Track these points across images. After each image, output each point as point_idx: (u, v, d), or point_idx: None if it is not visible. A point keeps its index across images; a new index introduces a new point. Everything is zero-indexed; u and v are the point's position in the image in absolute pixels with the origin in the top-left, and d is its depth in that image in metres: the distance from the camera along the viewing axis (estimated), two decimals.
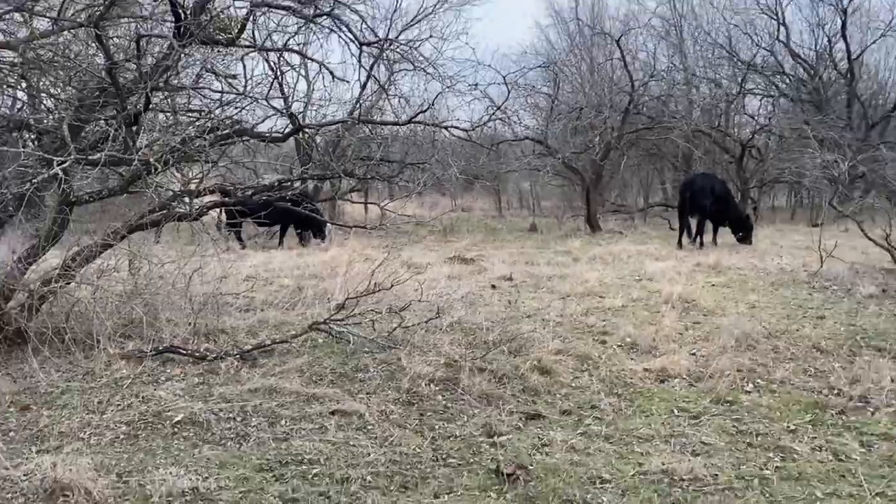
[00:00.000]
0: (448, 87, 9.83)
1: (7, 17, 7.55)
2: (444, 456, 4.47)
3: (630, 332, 7.09)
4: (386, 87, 10.99)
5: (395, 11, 16.01)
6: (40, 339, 6.18)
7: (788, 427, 4.91)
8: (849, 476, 4.15)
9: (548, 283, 9.87)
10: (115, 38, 7.52)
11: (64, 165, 5.64)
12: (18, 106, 9.16)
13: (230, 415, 5.03)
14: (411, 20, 16.41)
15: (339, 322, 6.65)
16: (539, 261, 12.35)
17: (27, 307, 6.32)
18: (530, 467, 4.25)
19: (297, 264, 11.51)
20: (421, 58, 9.75)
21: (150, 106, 6.94)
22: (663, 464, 4.28)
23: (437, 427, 4.93)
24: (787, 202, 25.72)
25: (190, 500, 3.86)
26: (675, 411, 5.26)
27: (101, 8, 6.73)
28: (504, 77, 10.79)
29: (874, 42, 24.61)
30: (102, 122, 7.42)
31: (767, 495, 3.93)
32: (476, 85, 10.17)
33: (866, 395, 5.43)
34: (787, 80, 25.27)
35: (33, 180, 5.85)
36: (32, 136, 7.94)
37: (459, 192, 26.40)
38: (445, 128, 10.27)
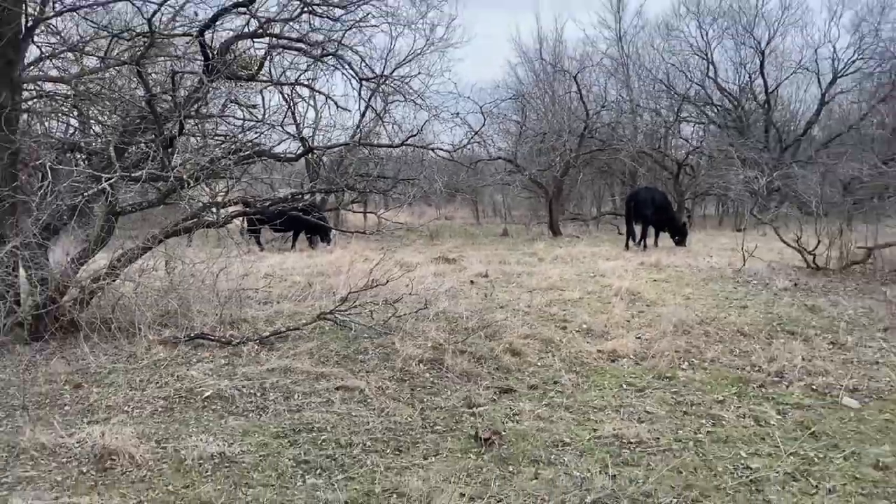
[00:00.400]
0: (434, 116, 9.84)
1: (62, 55, 7.49)
2: (431, 424, 4.47)
3: (586, 320, 7.10)
4: (381, 115, 10.96)
5: (389, 52, 16.05)
6: (90, 327, 6.12)
7: (717, 398, 4.94)
8: (768, 438, 4.18)
9: (517, 279, 9.87)
10: (153, 74, 7.48)
11: (110, 181, 5.61)
12: (71, 131, 9.08)
13: (251, 390, 5.02)
14: (403, 59, 16.35)
15: (342, 312, 6.63)
16: (510, 260, 12.35)
17: (79, 301, 6.28)
18: (504, 433, 4.26)
19: (307, 264, 11.45)
20: (411, 91, 9.76)
21: (184, 131, 6.91)
22: (614, 429, 4.30)
23: (425, 400, 4.93)
24: (715, 211, 25.85)
25: (218, 463, 3.84)
26: (624, 385, 5.28)
27: (141, 48, 6.69)
28: (480, 107, 10.78)
29: (787, 78, 24.82)
30: (143, 144, 7.37)
31: (700, 455, 3.96)
32: (457, 113, 10.15)
33: (782, 371, 5.48)
34: (716, 110, 25.39)
35: (84, 194, 5.81)
36: (83, 157, 7.87)
37: (443, 203, 26.35)
38: (431, 149, 10.28)
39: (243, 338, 6.17)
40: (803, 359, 5.72)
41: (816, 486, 3.54)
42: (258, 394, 4.97)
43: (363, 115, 13.76)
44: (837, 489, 3.51)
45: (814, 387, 5.13)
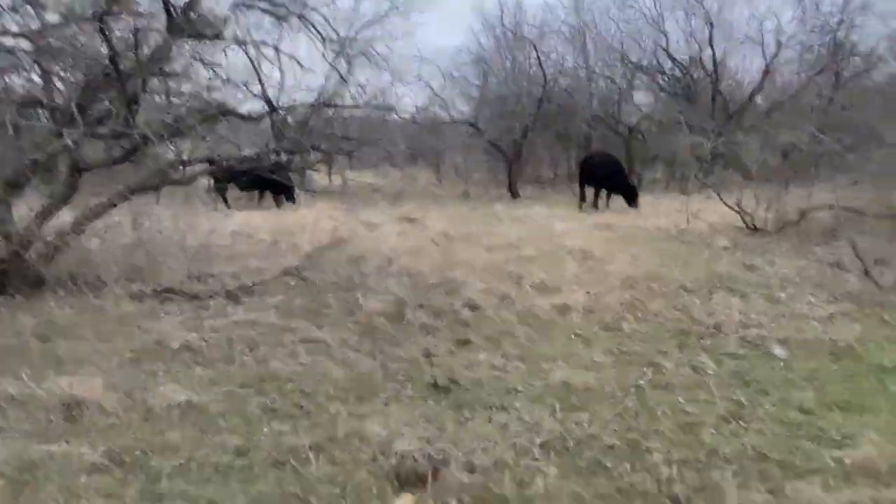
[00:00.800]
0: (397, 78, 9.68)
1: (21, 10, 7.10)
2: (392, 374, 4.49)
3: (540, 276, 7.16)
4: (346, 77, 10.73)
5: (354, 14, 15.62)
6: (56, 282, 5.97)
7: (660, 349, 5.04)
8: (704, 386, 4.29)
9: (477, 238, 9.90)
10: (116, 31, 7.15)
11: (73, 137, 5.41)
12: (32, 86, 8.67)
13: (218, 342, 4.97)
14: (367, 22, 15.97)
15: (307, 268, 6.59)
16: (470, 221, 12.37)
17: (45, 256, 6.10)
18: (460, 382, 4.30)
19: (274, 222, 11.29)
20: (375, 53, 9.58)
21: (147, 89, 6.66)
22: (563, 377, 4.36)
23: (386, 351, 4.94)
24: (663, 175, 26.15)
25: (185, 411, 3.81)
26: (573, 337, 5.36)
27: (103, 5, 6.39)
28: (442, 71, 10.63)
29: (734, 49, 24.98)
30: (106, 101, 7.09)
31: (642, 401, 4.05)
32: (420, 77, 10.02)
33: (719, 325, 5.60)
34: (666, 78, 25.40)
35: (47, 149, 5.59)
36: (46, 113, 7.55)
37: (406, 165, 26.11)
38: (395, 112, 10.13)
39: (210, 292, 6.09)
40: (740, 313, 5.87)
41: (746, 428, 3.68)
42: (225, 345, 4.93)
43: (327, 76, 13.45)
44: (765, 430, 3.65)
45: (748, 339, 5.28)
